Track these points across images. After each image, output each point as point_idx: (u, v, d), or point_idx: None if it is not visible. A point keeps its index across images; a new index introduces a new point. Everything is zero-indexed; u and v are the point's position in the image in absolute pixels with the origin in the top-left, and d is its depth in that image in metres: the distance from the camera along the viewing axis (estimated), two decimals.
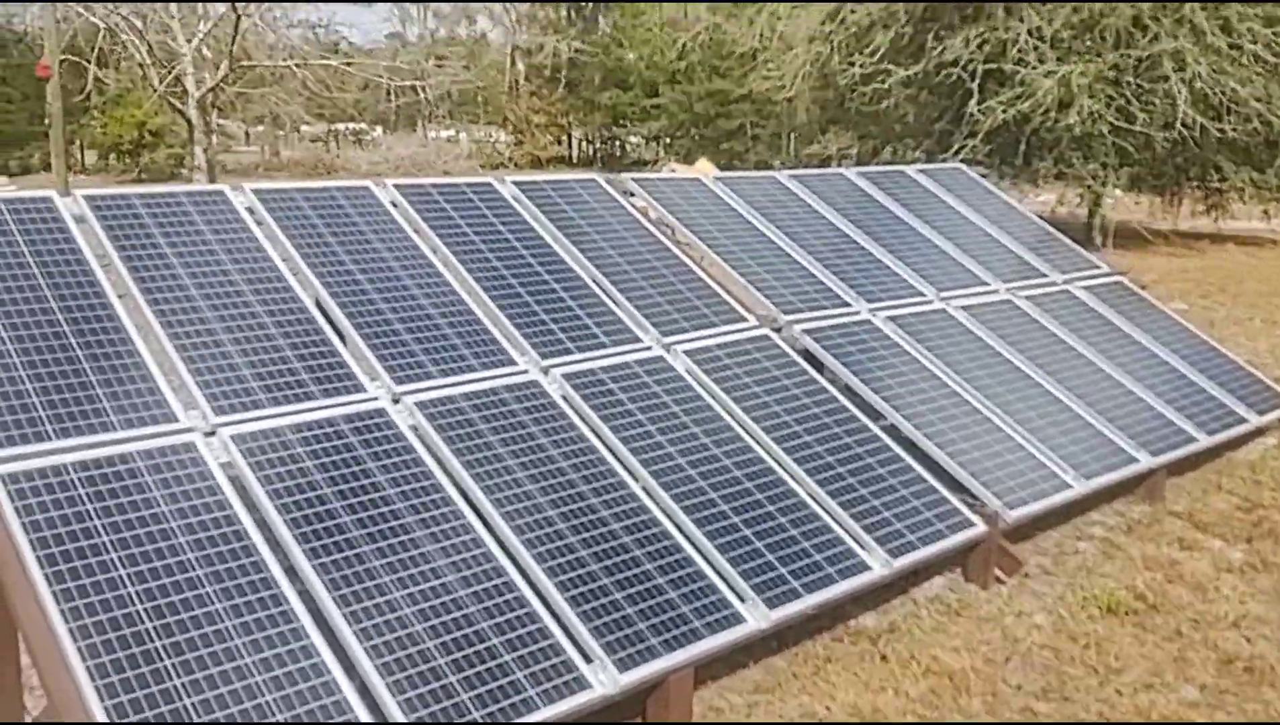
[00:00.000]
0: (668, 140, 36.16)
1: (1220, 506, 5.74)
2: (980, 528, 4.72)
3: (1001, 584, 4.80)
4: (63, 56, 24.94)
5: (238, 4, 19.68)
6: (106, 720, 2.76)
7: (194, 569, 3.18)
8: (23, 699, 3.55)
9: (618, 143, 40.35)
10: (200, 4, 23.93)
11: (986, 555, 4.76)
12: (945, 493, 4.82)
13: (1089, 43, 14.88)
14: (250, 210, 4.69)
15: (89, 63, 26.48)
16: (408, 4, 45.45)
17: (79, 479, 3.27)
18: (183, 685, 2.90)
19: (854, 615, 4.47)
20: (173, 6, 22.37)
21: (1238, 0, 14.20)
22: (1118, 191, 16.82)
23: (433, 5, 45.97)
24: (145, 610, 3.02)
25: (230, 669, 2.98)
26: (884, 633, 4.36)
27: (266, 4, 21.96)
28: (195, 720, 2.85)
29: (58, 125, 23.44)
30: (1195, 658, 4.24)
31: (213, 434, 3.62)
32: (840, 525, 4.42)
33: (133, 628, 2.97)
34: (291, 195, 4.89)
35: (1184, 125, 14.10)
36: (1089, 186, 15.90)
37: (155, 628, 2.99)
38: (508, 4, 40.95)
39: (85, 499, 3.22)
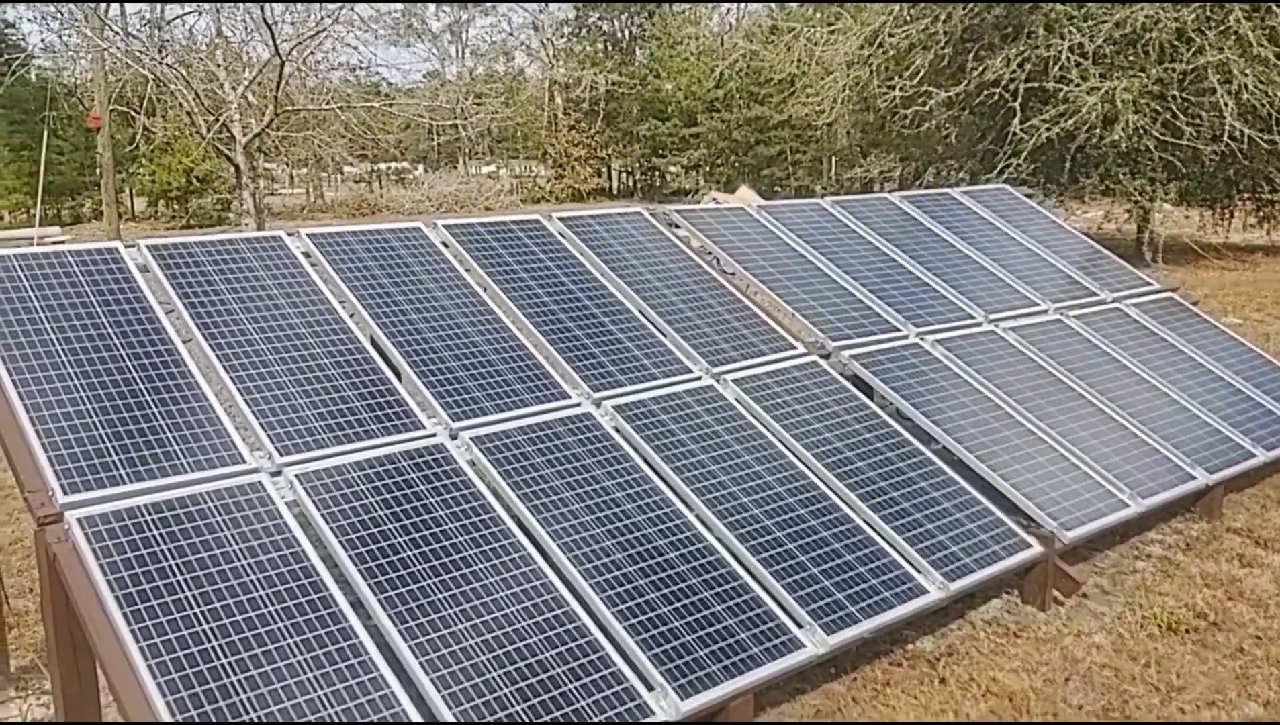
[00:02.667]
0: (707, 169, 36.32)
1: (1279, 522, 5.68)
2: (1036, 549, 4.71)
3: (1059, 605, 4.78)
4: (112, 107, 25.61)
5: (281, 49, 20.12)
6: None
7: (264, 605, 3.27)
8: None
9: (657, 173, 40.58)
10: (244, 52, 24.53)
11: (1043, 576, 4.75)
12: (1000, 515, 4.82)
13: (1132, 58, 14.79)
14: (306, 254, 4.82)
15: (137, 112, 27.15)
16: (447, 42, 46.12)
17: (153, 521, 3.38)
18: (257, 719, 2.99)
19: (912, 639, 4.48)
20: (218, 55, 22.92)
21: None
22: (1166, 206, 16.64)
23: (470, 44, 46.66)
24: (220, 647, 3.11)
25: (303, 701, 3.07)
26: (942, 656, 4.36)
27: (310, 46, 22.43)
28: None
29: (109, 174, 24.07)
30: (1258, 674, 4.20)
31: (278, 474, 3.73)
32: (895, 549, 4.43)
33: (209, 663, 3.06)
34: (345, 238, 5.02)
35: (1232, 137, 13.95)
36: (1137, 202, 15.76)
37: (229, 663, 3.08)
38: (545, 39, 41.45)
39: (159, 540, 3.33)
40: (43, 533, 3.28)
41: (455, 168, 44.71)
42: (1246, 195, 16.90)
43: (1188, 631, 4.53)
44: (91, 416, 3.63)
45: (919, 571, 4.37)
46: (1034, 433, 5.42)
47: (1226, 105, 13.80)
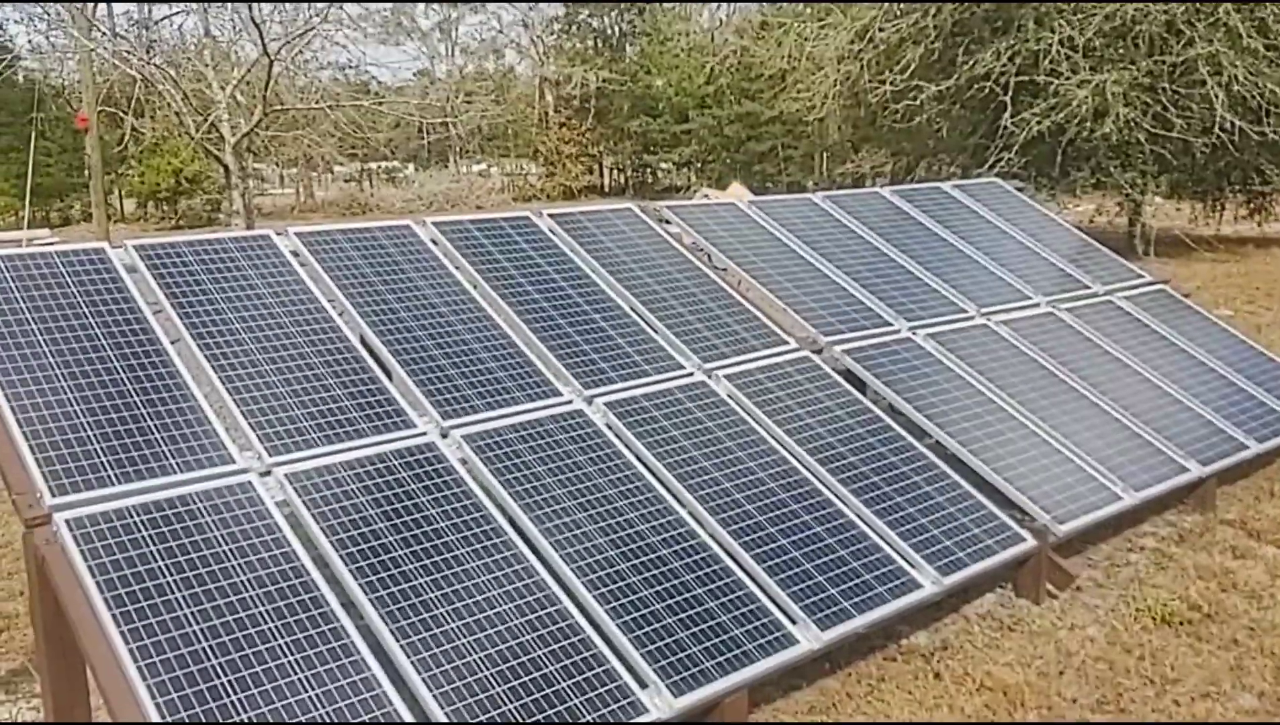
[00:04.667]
0: (699, 165, 36.29)
1: (1273, 513, 5.68)
2: (1030, 542, 4.70)
3: (1053, 598, 4.78)
4: (100, 108, 25.52)
5: (269, 48, 20.07)
6: None
7: (255, 606, 3.25)
8: None
9: (649, 170, 40.54)
10: (232, 51, 24.46)
11: (1037, 570, 4.74)
12: (993, 508, 4.81)
13: (1122, 50, 14.79)
14: (295, 253, 4.79)
15: (125, 113, 27.06)
16: (437, 40, 45.98)
17: (142, 522, 3.36)
18: (248, 720, 2.96)
19: (906, 634, 4.47)
20: (206, 55, 22.87)
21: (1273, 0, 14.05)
22: (1158, 199, 16.66)
23: (460, 42, 46.51)
24: (210, 648, 3.09)
25: (294, 702, 3.05)
26: (937, 650, 4.35)
27: (298, 45, 22.37)
28: None
29: (97, 176, 23.97)
30: (1252, 665, 4.19)
31: (268, 474, 3.71)
32: (889, 544, 4.42)
33: (199, 664, 3.04)
34: (334, 236, 5.00)
35: (1222, 129, 13.95)
36: (1128, 195, 15.77)
37: (220, 664, 3.06)
38: (535, 36, 41.38)
39: (148, 541, 3.31)
40: (31, 535, 3.25)
41: (446, 166, 44.63)
42: (1237, 187, 16.92)
43: (1181, 623, 4.53)
44: (79, 417, 3.60)
45: (913, 566, 4.36)
46: (1027, 426, 5.41)
47: (1217, 97, 13.81)
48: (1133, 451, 5.51)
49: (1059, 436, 5.40)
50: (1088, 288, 7.06)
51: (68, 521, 3.27)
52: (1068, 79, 14.54)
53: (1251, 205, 17.19)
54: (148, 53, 22.77)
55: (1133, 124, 14.37)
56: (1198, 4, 14.23)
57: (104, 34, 22.88)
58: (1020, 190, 8.30)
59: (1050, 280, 6.98)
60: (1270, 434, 6.12)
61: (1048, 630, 4.51)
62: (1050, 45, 14.69)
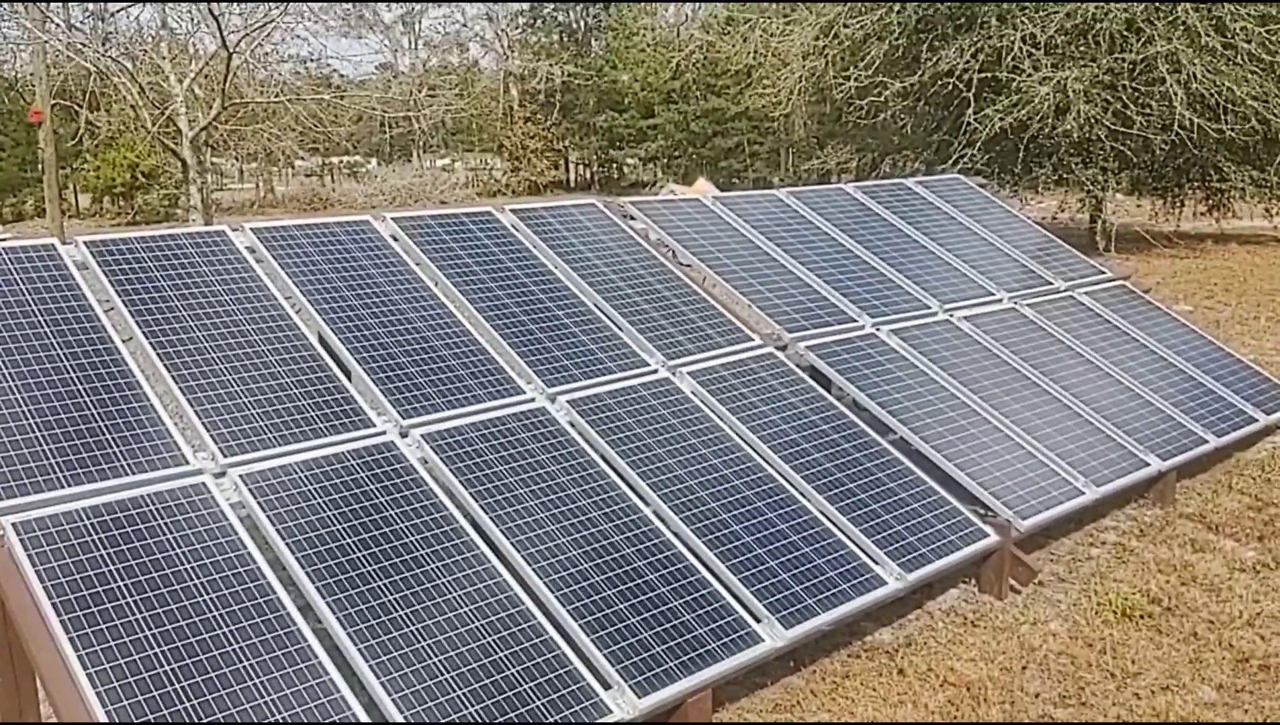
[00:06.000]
0: (665, 161, 36.24)
1: (1231, 507, 5.73)
2: (993, 538, 4.72)
3: (1016, 593, 4.79)
4: (54, 101, 25.11)
5: (228, 41, 19.82)
6: None
7: (209, 610, 3.19)
8: None
9: (615, 165, 40.44)
10: (190, 44, 24.18)
11: (1000, 565, 4.75)
12: (957, 504, 4.82)
13: (1083, 48, 14.91)
14: (251, 249, 4.71)
15: (80, 106, 26.63)
16: (400, 33, 45.64)
17: (92, 525, 3.28)
18: None
19: (870, 630, 4.47)
20: (163, 47, 22.55)
21: (1230, 0, 14.22)
22: (1119, 195, 16.82)
23: (423, 36, 46.20)
24: (163, 653, 3.03)
25: (249, 706, 2.99)
26: (901, 646, 4.35)
27: (258, 38, 22.09)
28: None
29: (51, 170, 23.58)
30: (1211, 658, 4.23)
31: (223, 475, 3.64)
32: (853, 541, 4.42)
33: (151, 670, 2.97)
34: (291, 232, 4.92)
35: (1181, 127, 14.11)
36: (1089, 191, 15.91)
37: (173, 669, 3.00)
38: (500, 30, 41.17)
39: (99, 544, 3.24)
40: None
41: (409, 161, 44.29)
42: (1196, 184, 17.11)
43: (1142, 617, 4.56)
44: (26, 418, 3.51)
45: (876, 563, 4.36)
46: (990, 422, 5.43)
47: (1176, 95, 13.95)
48: (1094, 446, 5.54)
49: (1021, 432, 5.42)
50: (1049, 284, 7.10)
51: (15, 525, 3.19)
52: (1030, 76, 14.64)
53: (1210, 202, 17.39)
54: (103, 45, 22.40)
55: (1094, 121, 14.50)
56: (1157, 3, 14.37)
57: (58, 25, 22.47)
58: (983, 186, 8.34)
59: (1013, 276, 7.01)
60: (1228, 428, 6.19)
61: (1010, 625, 4.52)
62: (1013, 42, 14.78)
